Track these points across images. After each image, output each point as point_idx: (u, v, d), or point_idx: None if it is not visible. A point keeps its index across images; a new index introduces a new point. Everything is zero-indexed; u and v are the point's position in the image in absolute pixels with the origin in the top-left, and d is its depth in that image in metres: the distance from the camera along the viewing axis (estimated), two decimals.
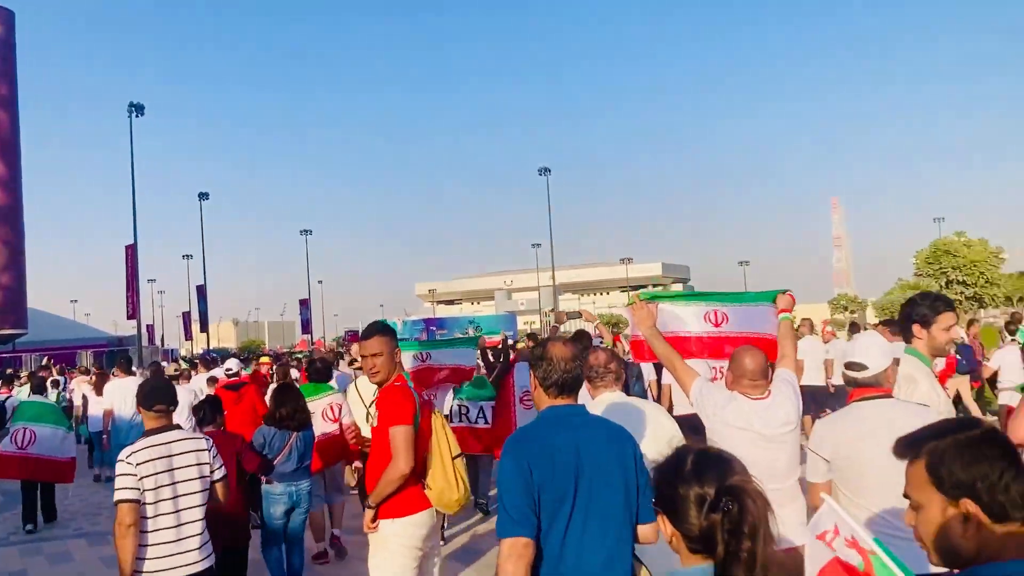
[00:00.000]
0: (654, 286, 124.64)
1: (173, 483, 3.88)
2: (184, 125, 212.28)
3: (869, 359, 3.38)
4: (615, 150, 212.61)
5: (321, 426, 7.06)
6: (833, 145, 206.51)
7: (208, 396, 6.26)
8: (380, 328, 4.13)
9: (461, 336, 26.41)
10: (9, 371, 21.67)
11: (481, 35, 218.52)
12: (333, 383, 8.02)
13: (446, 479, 4.02)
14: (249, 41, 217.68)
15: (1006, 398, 9.37)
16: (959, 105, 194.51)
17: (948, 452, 1.59)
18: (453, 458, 4.11)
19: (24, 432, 9.21)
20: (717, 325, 4.84)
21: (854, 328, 15.00)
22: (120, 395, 11.27)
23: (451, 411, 8.08)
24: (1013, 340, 11.01)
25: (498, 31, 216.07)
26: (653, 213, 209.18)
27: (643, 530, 2.74)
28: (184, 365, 14.54)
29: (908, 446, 1.70)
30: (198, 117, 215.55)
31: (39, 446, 9.22)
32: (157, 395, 4.08)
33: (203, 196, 52.67)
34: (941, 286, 45.80)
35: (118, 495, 3.74)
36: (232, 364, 10.31)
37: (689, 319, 4.88)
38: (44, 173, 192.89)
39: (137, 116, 36.17)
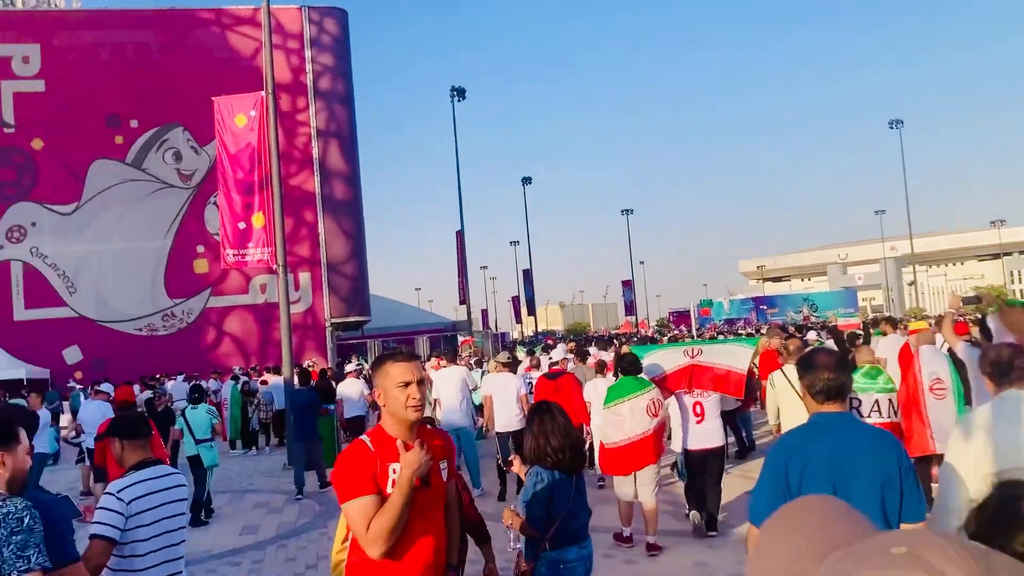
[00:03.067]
0: (1020, 253, 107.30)
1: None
2: (504, 110, 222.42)
3: None
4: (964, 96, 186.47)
5: (641, 423, 6.79)
6: None
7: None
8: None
9: (741, 335, 23.55)
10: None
11: None
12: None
13: None
14: (568, 27, 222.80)
15: None
16: None
17: None
18: None
19: None
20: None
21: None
22: (444, 384, 10.82)
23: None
24: None
25: None
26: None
27: (905, 528, 2.82)
28: (521, 352, 13.90)
29: None
30: (517, 101, 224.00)
31: None
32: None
33: (526, 181, 52.05)
34: None
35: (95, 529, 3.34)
36: (558, 352, 10.30)
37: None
38: (376, 163, 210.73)
39: (459, 100, 36.54)
